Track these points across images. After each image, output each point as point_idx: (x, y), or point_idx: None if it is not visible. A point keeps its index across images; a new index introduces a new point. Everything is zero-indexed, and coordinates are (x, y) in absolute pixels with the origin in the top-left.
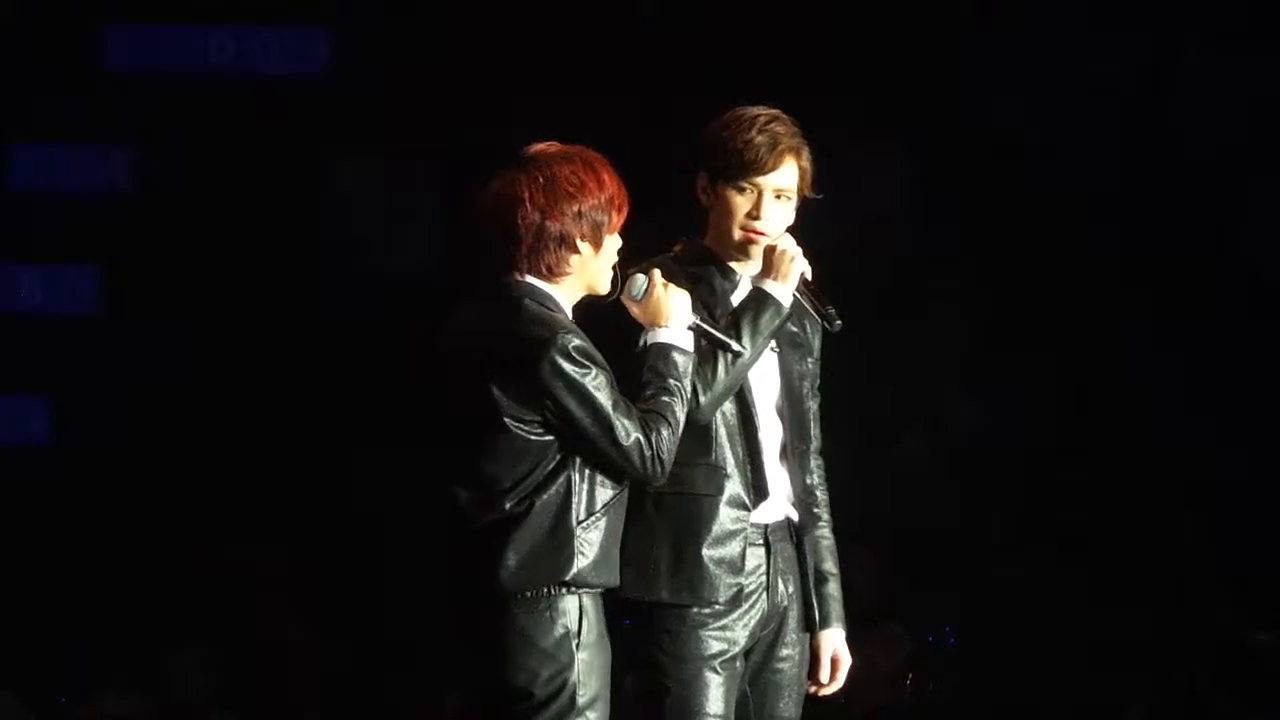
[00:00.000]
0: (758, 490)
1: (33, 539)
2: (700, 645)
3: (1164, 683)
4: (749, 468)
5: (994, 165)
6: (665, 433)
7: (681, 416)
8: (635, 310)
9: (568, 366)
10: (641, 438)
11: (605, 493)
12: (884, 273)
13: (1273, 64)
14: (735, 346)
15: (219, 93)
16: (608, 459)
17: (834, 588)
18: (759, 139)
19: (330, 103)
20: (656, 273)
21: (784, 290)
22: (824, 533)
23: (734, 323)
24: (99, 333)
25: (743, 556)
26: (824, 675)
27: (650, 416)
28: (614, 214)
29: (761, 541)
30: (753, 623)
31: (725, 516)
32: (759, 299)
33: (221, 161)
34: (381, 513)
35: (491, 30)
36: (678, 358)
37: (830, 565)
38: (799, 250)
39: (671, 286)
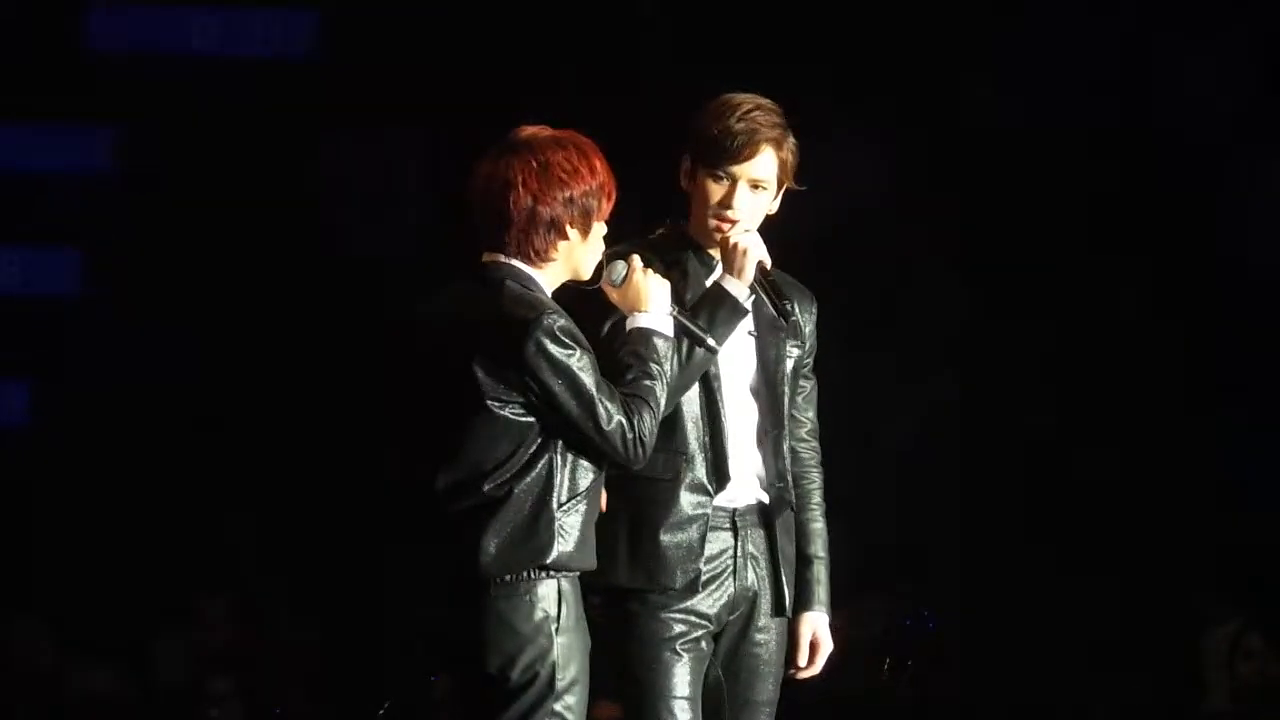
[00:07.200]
0: (719, 475)
1: (8, 522)
2: (662, 628)
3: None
4: (711, 452)
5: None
6: (647, 416)
7: (663, 400)
8: (614, 296)
9: (553, 347)
10: (624, 420)
11: (586, 476)
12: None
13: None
14: (710, 342)
15: (202, 75)
16: (589, 442)
17: (819, 571)
18: (737, 127)
19: (314, 86)
20: (636, 259)
21: (740, 286)
22: (814, 515)
23: (691, 319)
24: (79, 315)
25: (702, 542)
26: (802, 659)
27: (632, 400)
28: (604, 201)
29: (728, 525)
30: (719, 605)
31: (685, 502)
32: (716, 296)
33: (203, 143)
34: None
35: (477, 12)
36: (659, 342)
37: (818, 549)
38: (754, 241)
39: (651, 272)
